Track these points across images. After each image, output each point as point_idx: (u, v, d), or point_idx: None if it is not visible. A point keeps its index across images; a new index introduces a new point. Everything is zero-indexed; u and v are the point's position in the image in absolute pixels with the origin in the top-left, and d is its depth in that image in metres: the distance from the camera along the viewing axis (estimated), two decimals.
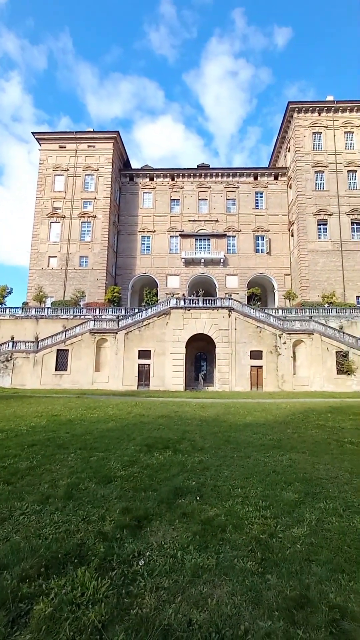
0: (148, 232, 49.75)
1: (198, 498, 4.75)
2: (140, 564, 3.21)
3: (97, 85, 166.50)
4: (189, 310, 32.39)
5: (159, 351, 31.45)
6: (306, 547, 3.52)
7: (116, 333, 31.99)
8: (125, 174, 51.33)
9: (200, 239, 49.08)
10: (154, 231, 49.65)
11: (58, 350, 31.98)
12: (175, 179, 51.11)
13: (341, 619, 2.53)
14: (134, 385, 30.61)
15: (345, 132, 45.95)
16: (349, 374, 30.37)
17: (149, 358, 31.40)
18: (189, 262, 47.98)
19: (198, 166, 52.00)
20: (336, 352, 31.02)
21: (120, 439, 8.60)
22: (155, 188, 50.92)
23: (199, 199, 50.44)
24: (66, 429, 10.04)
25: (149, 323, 32.28)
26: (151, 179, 51.25)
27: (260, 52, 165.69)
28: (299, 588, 2.86)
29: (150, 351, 31.53)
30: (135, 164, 57.48)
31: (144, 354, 31.57)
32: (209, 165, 52.09)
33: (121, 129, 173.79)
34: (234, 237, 49.20)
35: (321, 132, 46.05)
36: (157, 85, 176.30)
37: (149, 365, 31.27)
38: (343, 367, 30.52)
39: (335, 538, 3.70)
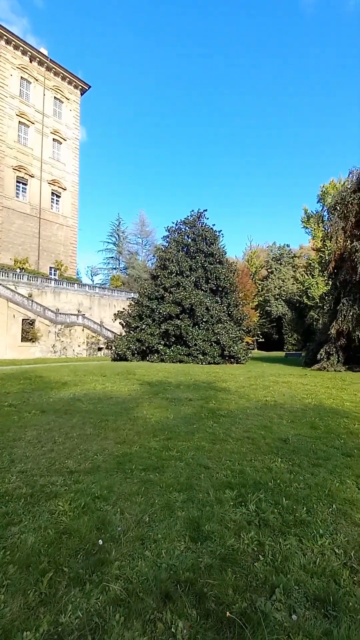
0: None
1: None
2: None
3: None
4: None
5: None
6: None
7: None
8: None
9: None
10: None
11: None
12: None
13: None
14: None
15: (55, 98, 44.93)
16: (33, 342, 30.49)
17: None
18: None
19: None
20: (23, 319, 30.05)
21: None
22: None
23: None
24: None
25: None
26: None
27: None
28: None
29: None
30: None
31: None
32: None
33: None
34: None
35: (31, 83, 42.35)
36: None
37: None
38: (29, 334, 30.23)
39: None
